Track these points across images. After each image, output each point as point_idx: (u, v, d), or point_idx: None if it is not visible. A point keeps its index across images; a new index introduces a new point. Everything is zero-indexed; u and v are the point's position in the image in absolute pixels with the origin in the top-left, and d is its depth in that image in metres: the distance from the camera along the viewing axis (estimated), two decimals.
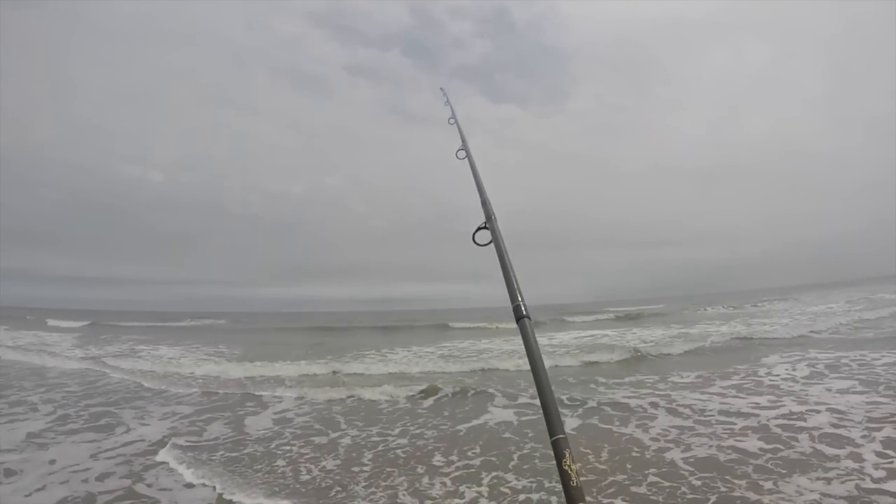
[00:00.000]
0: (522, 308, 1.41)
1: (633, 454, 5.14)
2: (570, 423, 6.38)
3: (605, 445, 5.42)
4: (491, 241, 1.73)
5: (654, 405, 7.02)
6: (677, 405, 6.92)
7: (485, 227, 1.81)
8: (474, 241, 1.76)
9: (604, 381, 9.22)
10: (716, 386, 8.14)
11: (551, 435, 1.07)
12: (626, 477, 4.54)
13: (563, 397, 7.62)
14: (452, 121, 3.42)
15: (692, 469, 4.64)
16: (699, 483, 4.33)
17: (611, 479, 4.52)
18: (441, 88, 4.42)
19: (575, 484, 0.99)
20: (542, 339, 17.87)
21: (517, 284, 1.48)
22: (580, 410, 6.95)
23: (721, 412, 6.44)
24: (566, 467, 1.01)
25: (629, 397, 7.67)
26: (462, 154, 2.68)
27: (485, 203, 2.01)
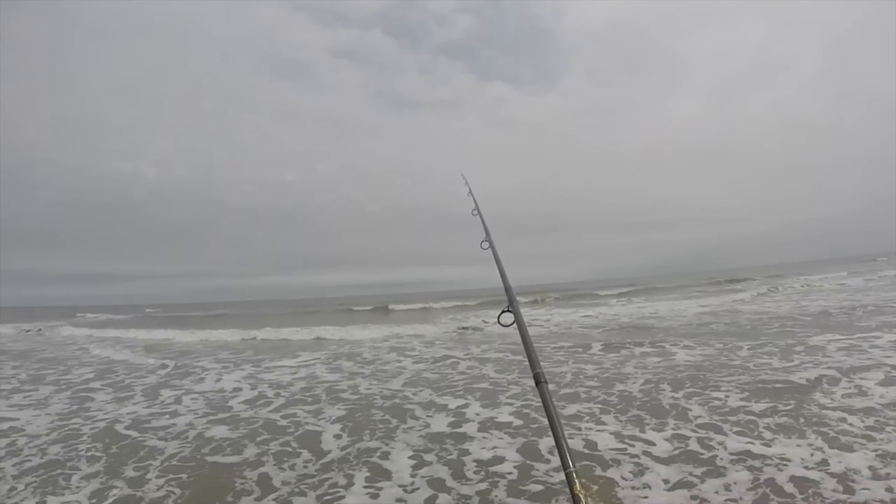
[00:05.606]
0: (542, 375, 1.84)
1: None
2: None
3: None
4: (513, 323, 2.21)
5: None
6: None
7: (508, 311, 2.30)
8: (499, 322, 2.24)
9: None
10: None
11: (564, 469, 1.45)
12: None
13: None
14: (475, 212, 4.01)
15: None
16: None
17: None
18: (462, 175, 5.03)
19: (584, 502, 1.37)
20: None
21: (536, 356, 1.92)
22: None
23: None
24: (577, 492, 1.40)
25: None
26: (486, 245, 3.23)
27: (507, 290, 2.50)
